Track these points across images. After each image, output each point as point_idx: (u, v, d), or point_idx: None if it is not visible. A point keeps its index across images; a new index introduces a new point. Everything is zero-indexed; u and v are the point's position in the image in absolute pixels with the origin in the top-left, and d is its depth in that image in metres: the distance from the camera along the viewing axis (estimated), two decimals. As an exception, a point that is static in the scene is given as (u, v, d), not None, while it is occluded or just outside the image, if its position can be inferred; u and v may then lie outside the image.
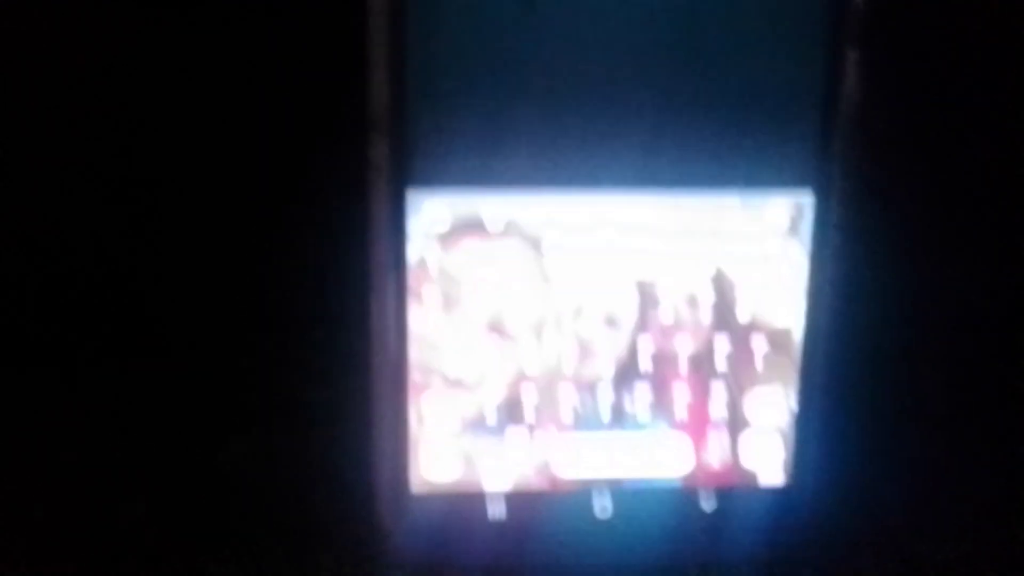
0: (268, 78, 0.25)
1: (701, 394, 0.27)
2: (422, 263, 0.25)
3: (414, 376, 0.26)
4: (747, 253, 0.26)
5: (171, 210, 0.25)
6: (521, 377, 0.26)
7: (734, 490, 0.27)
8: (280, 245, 0.25)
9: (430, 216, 0.25)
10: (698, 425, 0.27)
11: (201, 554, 0.28)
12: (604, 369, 0.26)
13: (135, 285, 0.27)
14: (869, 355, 0.28)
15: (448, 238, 0.25)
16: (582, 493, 0.27)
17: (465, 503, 0.27)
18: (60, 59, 0.25)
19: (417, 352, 0.26)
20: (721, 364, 0.27)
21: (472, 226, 0.25)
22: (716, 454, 0.27)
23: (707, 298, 0.26)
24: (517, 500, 0.27)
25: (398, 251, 0.25)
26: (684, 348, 0.26)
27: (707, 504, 0.27)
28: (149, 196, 0.25)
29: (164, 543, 0.28)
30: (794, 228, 0.26)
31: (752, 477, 0.27)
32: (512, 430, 0.26)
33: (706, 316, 0.26)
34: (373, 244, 0.24)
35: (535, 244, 0.25)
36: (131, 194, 0.26)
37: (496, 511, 0.27)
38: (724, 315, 0.26)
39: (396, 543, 0.26)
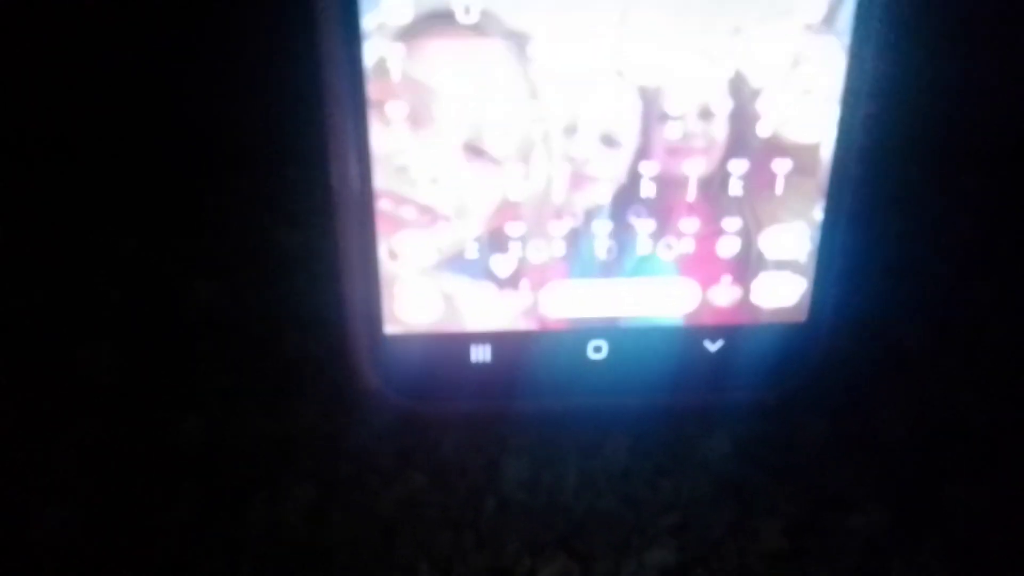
0: None
1: (711, 225, 0.23)
2: (382, 67, 0.21)
3: (382, 206, 0.22)
4: (773, 53, 0.21)
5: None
6: (505, 206, 0.23)
7: (741, 328, 0.25)
8: (210, 49, 0.21)
9: (389, 7, 0.20)
10: (706, 261, 0.24)
11: (169, 404, 0.26)
12: (600, 197, 0.23)
13: (88, 120, 0.23)
14: (904, 177, 0.24)
15: (412, 35, 0.21)
16: (574, 333, 0.24)
17: (446, 345, 0.24)
18: None
19: (384, 178, 0.22)
20: (736, 189, 0.23)
21: (441, 19, 0.20)
22: (724, 290, 0.24)
23: (723, 110, 0.22)
24: (503, 341, 0.24)
25: (352, 53, 0.20)
26: (694, 171, 0.23)
27: (712, 344, 0.25)
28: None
29: (131, 391, 0.26)
30: (831, 18, 0.21)
31: (762, 315, 0.25)
32: (495, 266, 0.23)
33: (721, 132, 0.22)
34: (320, 45, 0.20)
35: (519, 42, 0.21)
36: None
37: (480, 353, 0.24)
38: (742, 130, 0.22)
39: (372, 388, 0.24)
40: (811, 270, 0.24)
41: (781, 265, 0.24)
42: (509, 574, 0.24)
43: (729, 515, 0.25)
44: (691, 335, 0.25)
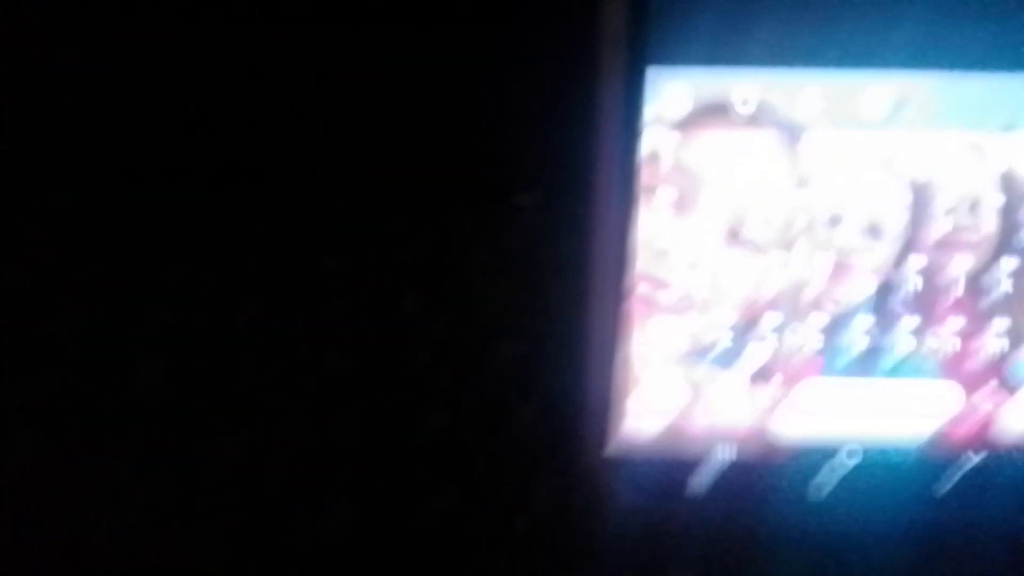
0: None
1: (978, 325, 0.22)
2: (655, 156, 0.21)
3: (640, 289, 0.22)
4: (1050, 149, 0.21)
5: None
6: (763, 295, 0.22)
7: (1008, 446, 0.23)
8: (498, 125, 0.22)
9: (669, 98, 0.21)
10: (970, 363, 0.23)
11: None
12: (862, 290, 0.22)
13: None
14: None
15: (689, 125, 0.21)
16: (826, 436, 0.23)
17: (688, 440, 0.23)
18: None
19: (644, 262, 0.22)
20: (1007, 288, 0.22)
21: (718, 111, 0.21)
22: (990, 400, 0.23)
23: (993, 204, 0.22)
24: (749, 440, 0.23)
25: (630, 140, 0.21)
26: (962, 266, 0.22)
27: (973, 461, 0.23)
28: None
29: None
30: (1118, 115, 0.21)
31: (1038, 426, 0.23)
32: (748, 357, 0.23)
33: (991, 227, 0.22)
34: (604, 132, 0.21)
35: (792, 134, 0.21)
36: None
37: (724, 451, 0.23)
38: (1013, 227, 0.22)
39: (606, 484, 0.23)
40: (1090, 379, 0.23)
41: (1054, 372, 0.23)
42: None
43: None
44: (952, 446, 0.23)
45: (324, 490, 0.24)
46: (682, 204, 0.22)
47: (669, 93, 0.21)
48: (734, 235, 0.22)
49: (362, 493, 0.24)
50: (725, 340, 0.23)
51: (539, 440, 0.24)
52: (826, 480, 0.23)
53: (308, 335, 0.23)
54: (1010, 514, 0.24)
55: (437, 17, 0.21)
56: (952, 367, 0.23)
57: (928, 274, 0.22)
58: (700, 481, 0.23)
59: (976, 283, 0.22)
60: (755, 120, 0.21)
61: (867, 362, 0.23)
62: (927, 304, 0.22)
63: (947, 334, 0.22)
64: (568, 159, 0.21)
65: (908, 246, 0.22)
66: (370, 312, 0.23)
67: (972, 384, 0.23)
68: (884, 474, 0.23)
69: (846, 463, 0.23)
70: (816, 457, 0.23)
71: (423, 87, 0.22)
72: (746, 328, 0.22)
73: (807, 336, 0.23)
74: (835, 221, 0.22)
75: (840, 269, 0.22)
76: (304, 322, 0.23)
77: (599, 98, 0.21)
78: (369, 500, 0.23)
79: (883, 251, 0.22)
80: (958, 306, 0.22)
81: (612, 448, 0.23)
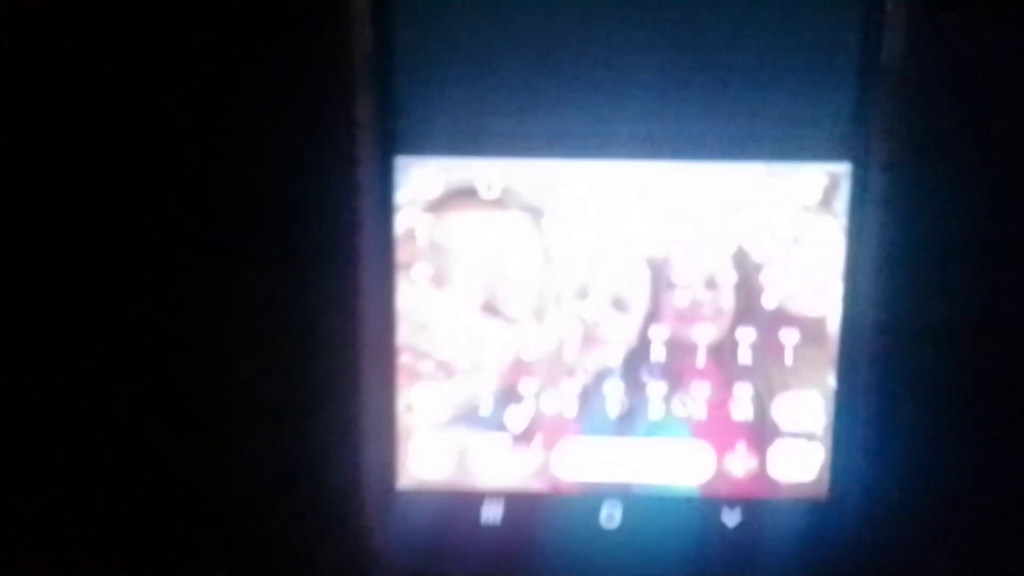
0: (245, 30, 0.23)
1: (722, 391, 0.24)
2: (410, 234, 0.23)
3: (403, 359, 0.24)
4: (773, 230, 0.23)
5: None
6: (519, 363, 0.24)
7: (761, 502, 0.24)
8: (255, 214, 0.23)
9: (420, 183, 0.23)
10: (719, 426, 0.24)
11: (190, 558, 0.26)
12: (612, 358, 0.24)
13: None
14: (916, 349, 0.24)
15: (439, 207, 0.23)
16: (587, 498, 0.24)
17: (457, 503, 0.24)
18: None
19: (405, 333, 0.24)
20: (746, 357, 0.24)
21: (465, 194, 0.23)
22: (740, 461, 0.24)
23: (728, 280, 0.23)
24: (514, 502, 0.24)
25: (385, 221, 0.23)
26: (703, 337, 0.24)
27: (729, 517, 0.24)
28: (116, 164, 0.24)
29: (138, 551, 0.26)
30: (827, 201, 0.23)
31: (782, 488, 0.24)
32: (509, 421, 0.24)
33: (727, 301, 0.23)
34: (358, 214, 0.23)
35: (535, 215, 0.23)
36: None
37: (491, 513, 0.24)
38: (748, 301, 0.23)
39: (381, 544, 0.24)
40: (828, 442, 0.24)
41: (797, 435, 0.24)
42: None
43: None
44: (708, 506, 0.24)
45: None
46: (439, 279, 0.23)
47: (419, 178, 0.23)
48: (489, 307, 0.23)
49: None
50: (486, 406, 0.24)
51: (315, 509, 0.25)
52: (590, 540, 0.24)
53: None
54: (773, 570, 0.25)
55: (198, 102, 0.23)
56: (702, 430, 0.24)
57: (672, 344, 0.24)
58: (470, 544, 0.24)
59: (718, 352, 0.24)
60: (500, 203, 0.23)
61: (623, 424, 0.24)
62: (673, 372, 0.24)
63: (694, 400, 0.24)
64: (328, 241, 0.23)
65: (651, 318, 0.23)
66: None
67: (722, 446, 0.24)
68: (645, 534, 0.24)
69: (608, 524, 0.24)
70: (579, 518, 0.24)
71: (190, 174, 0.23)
72: (505, 394, 0.24)
73: (563, 400, 0.24)
74: (582, 294, 0.23)
75: (589, 339, 0.24)
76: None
77: (354, 185, 0.22)
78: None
79: (628, 323, 0.24)
80: (703, 374, 0.24)
81: (387, 511, 0.24)
